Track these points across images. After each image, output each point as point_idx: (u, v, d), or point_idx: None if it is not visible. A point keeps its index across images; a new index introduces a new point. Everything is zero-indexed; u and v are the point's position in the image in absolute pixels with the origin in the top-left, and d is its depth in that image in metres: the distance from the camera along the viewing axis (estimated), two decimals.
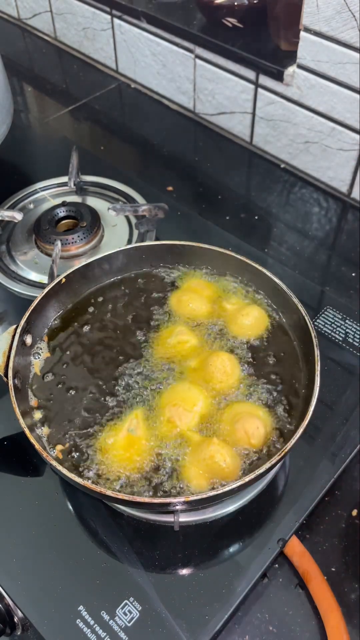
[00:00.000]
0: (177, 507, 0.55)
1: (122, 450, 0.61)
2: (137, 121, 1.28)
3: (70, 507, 0.66)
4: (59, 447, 0.62)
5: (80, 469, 0.60)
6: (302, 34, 0.92)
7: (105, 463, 0.60)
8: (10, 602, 0.60)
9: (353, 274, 0.93)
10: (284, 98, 1.02)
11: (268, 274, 0.73)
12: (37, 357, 0.70)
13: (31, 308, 0.69)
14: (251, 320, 0.71)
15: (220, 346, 0.70)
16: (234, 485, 0.54)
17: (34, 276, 0.90)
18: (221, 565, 0.61)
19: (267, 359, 0.69)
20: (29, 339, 0.69)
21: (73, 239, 0.91)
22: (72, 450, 0.61)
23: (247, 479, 0.54)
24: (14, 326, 0.67)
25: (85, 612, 0.58)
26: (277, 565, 0.63)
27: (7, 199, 1.03)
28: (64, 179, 1.04)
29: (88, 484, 0.55)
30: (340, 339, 0.81)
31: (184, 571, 0.61)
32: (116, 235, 0.96)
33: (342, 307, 0.85)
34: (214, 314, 0.73)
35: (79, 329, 0.73)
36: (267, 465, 0.55)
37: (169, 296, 0.76)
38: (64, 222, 0.96)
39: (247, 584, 0.59)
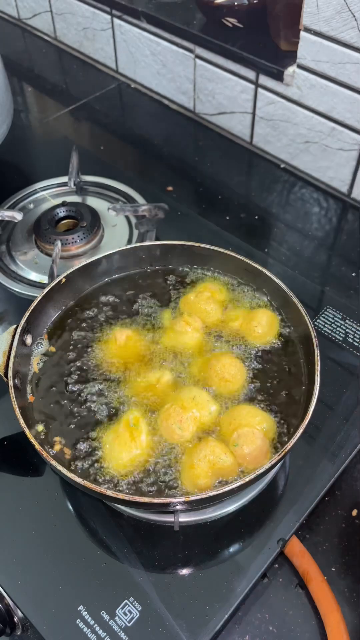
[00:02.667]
0: (177, 507, 0.55)
1: (121, 448, 0.61)
2: (137, 121, 1.28)
3: (70, 507, 0.66)
4: (58, 446, 0.62)
5: (80, 467, 0.60)
6: (302, 34, 0.92)
7: (105, 461, 0.60)
8: (10, 602, 0.60)
9: (353, 274, 0.93)
10: (284, 98, 1.02)
11: (268, 274, 0.73)
12: (37, 357, 0.70)
13: (31, 308, 0.69)
14: (262, 327, 0.71)
15: (226, 347, 0.70)
16: (234, 485, 0.54)
17: (34, 276, 0.90)
18: (221, 565, 0.61)
19: (267, 358, 0.69)
20: (29, 339, 0.69)
21: (73, 239, 0.91)
22: (71, 448, 0.61)
23: (247, 479, 0.54)
24: (14, 326, 0.67)
25: (85, 612, 0.58)
26: (277, 565, 0.63)
27: (7, 199, 1.03)
28: (64, 179, 1.04)
29: (88, 483, 0.55)
30: (340, 339, 0.81)
31: (184, 571, 0.61)
32: (116, 235, 0.96)
33: (342, 307, 0.85)
34: (220, 315, 0.73)
35: (79, 328, 0.73)
36: (267, 465, 0.55)
37: (169, 296, 0.76)
38: (64, 222, 0.96)
39: (247, 584, 0.59)
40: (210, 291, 0.75)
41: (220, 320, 0.73)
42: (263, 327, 0.70)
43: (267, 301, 0.74)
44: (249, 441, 0.60)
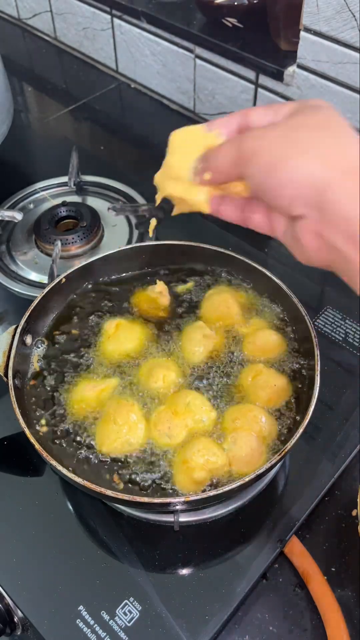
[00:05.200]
0: (177, 507, 0.55)
1: (109, 425, 0.61)
2: (137, 121, 1.28)
3: (70, 507, 0.66)
4: (55, 442, 0.62)
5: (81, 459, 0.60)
6: (302, 33, 0.92)
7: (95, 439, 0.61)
8: (10, 602, 0.60)
9: None
10: (284, 98, 1.02)
11: (268, 274, 0.73)
12: (36, 357, 0.69)
13: (31, 308, 0.69)
14: (269, 346, 0.69)
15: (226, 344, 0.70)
16: (234, 485, 0.54)
17: (34, 276, 0.90)
18: (221, 565, 0.61)
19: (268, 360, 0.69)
20: (28, 339, 0.69)
21: (73, 239, 0.91)
22: (70, 445, 0.61)
23: (247, 479, 0.54)
24: (14, 326, 0.67)
25: (85, 612, 0.58)
26: (277, 565, 0.63)
27: (7, 199, 1.03)
28: (64, 179, 1.04)
29: (88, 484, 0.55)
30: (340, 339, 0.81)
31: (184, 571, 0.61)
32: (116, 235, 0.96)
33: (342, 307, 0.85)
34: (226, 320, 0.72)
35: (78, 328, 0.73)
36: (267, 465, 0.55)
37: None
38: (64, 222, 0.96)
39: (247, 584, 0.59)
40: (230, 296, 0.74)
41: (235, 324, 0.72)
42: (271, 351, 0.69)
43: (267, 300, 0.74)
44: (244, 444, 0.60)
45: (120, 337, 0.70)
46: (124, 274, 0.79)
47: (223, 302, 0.72)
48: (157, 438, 0.61)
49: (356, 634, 0.58)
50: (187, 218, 0.99)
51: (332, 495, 0.68)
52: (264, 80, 1.04)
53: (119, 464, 0.60)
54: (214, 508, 0.64)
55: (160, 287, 0.74)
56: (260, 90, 1.05)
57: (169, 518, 0.63)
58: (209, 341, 0.69)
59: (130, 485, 0.59)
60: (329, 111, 0.45)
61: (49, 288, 0.71)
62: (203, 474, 0.58)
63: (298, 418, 0.63)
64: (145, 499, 0.55)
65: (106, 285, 0.78)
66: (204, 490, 0.57)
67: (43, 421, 0.64)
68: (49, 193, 1.04)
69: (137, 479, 0.59)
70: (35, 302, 0.70)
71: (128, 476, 0.59)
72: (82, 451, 0.61)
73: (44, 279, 0.88)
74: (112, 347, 0.70)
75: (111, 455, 0.60)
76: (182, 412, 0.62)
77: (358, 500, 0.65)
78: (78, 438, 0.62)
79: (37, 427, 0.63)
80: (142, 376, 0.66)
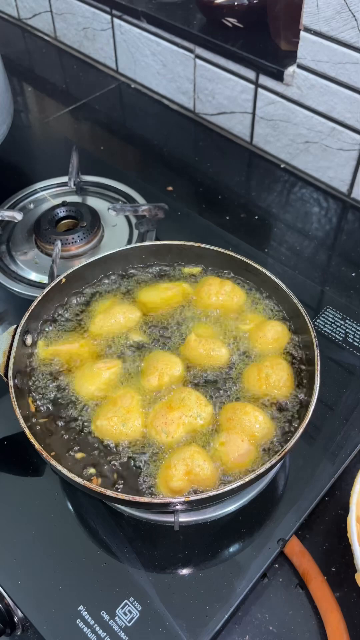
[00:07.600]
0: (177, 507, 0.55)
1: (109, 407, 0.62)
2: (137, 121, 1.28)
3: (70, 507, 0.66)
4: (55, 441, 0.62)
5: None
6: (302, 33, 0.92)
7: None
8: (10, 602, 0.60)
9: (353, 274, 0.93)
10: (284, 98, 1.02)
11: (268, 274, 0.72)
12: (36, 357, 0.69)
13: (31, 308, 0.69)
14: (272, 338, 0.69)
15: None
16: (234, 485, 0.54)
17: (34, 276, 0.90)
18: (221, 565, 0.61)
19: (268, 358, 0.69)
20: (28, 339, 0.69)
21: (73, 239, 0.91)
22: (71, 444, 0.61)
23: (247, 479, 0.54)
24: (14, 326, 0.67)
25: (85, 612, 0.58)
26: (277, 565, 0.63)
27: (7, 199, 1.03)
28: (64, 179, 1.04)
29: (88, 484, 0.55)
30: (340, 339, 0.81)
31: (184, 571, 0.61)
32: (116, 235, 0.96)
33: (342, 307, 0.85)
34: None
35: (78, 328, 0.73)
36: (267, 465, 0.55)
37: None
38: (64, 222, 0.96)
39: (247, 584, 0.59)
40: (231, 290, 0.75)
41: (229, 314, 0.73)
42: (272, 341, 0.69)
43: (267, 302, 0.74)
44: (236, 443, 0.60)
45: (111, 312, 0.72)
46: (124, 274, 0.79)
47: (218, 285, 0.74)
48: (154, 435, 0.61)
49: (356, 634, 0.58)
50: (187, 218, 1.00)
51: (332, 495, 0.68)
52: (264, 80, 1.04)
53: (117, 463, 0.60)
54: (214, 508, 0.64)
55: None
56: (260, 90, 1.05)
57: (169, 518, 0.63)
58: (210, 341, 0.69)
59: (130, 485, 0.59)
60: None
61: (49, 288, 0.71)
62: (180, 484, 0.57)
63: (298, 418, 0.63)
64: (145, 499, 0.55)
65: (105, 286, 0.78)
66: (203, 491, 0.57)
67: (43, 420, 0.64)
68: (49, 193, 1.04)
69: (138, 479, 0.59)
70: (35, 302, 0.70)
71: (128, 478, 0.59)
72: (83, 452, 0.61)
73: (44, 279, 0.88)
74: (100, 318, 0.72)
75: (107, 440, 0.61)
76: (177, 407, 0.62)
77: (350, 501, 0.64)
78: (78, 437, 0.62)
79: (37, 427, 0.63)
80: (143, 370, 0.67)
